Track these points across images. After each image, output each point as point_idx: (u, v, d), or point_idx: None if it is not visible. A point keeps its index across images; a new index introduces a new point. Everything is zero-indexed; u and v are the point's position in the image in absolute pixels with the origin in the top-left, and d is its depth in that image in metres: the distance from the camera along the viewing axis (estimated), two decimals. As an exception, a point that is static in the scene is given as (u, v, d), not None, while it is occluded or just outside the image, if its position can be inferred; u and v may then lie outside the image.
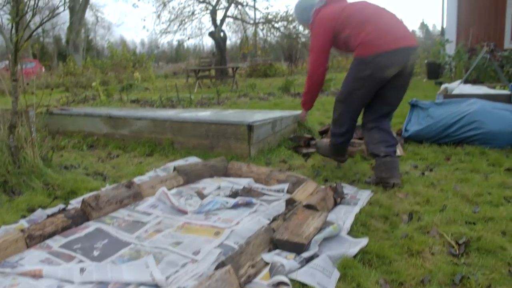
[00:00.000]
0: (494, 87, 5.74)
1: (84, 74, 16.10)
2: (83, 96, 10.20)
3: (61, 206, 2.62)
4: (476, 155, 3.61)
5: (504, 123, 3.82)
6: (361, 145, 3.78)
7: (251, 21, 18.95)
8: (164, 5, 17.60)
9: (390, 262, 1.86)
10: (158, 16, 17.78)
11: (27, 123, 3.30)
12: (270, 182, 2.95)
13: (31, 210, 2.62)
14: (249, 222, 2.23)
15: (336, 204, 2.51)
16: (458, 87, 5.56)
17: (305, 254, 1.83)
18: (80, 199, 2.62)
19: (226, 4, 17.55)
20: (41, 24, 3.29)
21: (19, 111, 3.25)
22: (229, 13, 17.88)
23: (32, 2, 3.14)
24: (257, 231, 1.99)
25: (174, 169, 3.10)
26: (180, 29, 17.91)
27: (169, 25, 17.74)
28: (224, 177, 3.15)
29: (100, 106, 7.97)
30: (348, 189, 2.78)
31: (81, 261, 1.90)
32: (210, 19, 17.10)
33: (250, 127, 3.80)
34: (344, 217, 2.33)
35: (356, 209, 2.44)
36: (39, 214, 2.48)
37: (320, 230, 2.02)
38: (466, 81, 6.42)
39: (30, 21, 3.24)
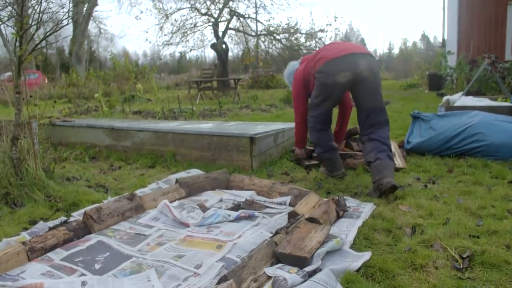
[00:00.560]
0: (496, 99, 5.75)
1: (86, 86, 16.19)
2: (85, 107, 10.24)
3: (63, 218, 2.62)
4: (478, 167, 3.60)
5: (507, 135, 3.82)
6: (363, 157, 3.78)
7: (253, 33, 19.04)
8: (167, 17, 17.72)
9: (393, 276, 1.84)
10: (161, 28, 17.85)
11: (29, 134, 3.31)
12: (272, 194, 2.94)
13: (33, 222, 2.62)
14: (251, 236, 2.22)
15: (338, 217, 2.50)
16: (460, 99, 5.56)
17: (308, 268, 1.82)
18: (82, 211, 2.62)
19: (228, 17, 17.67)
20: (45, 38, 3.31)
21: (22, 123, 3.26)
22: (231, 25, 17.99)
23: (36, 16, 3.16)
24: (260, 245, 1.98)
25: (176, 181, 3.09)
26: (182, 41, 18.00)
27: (172, 37, 17.83)
28: (226, 190, 3.14)
29: (103, 118, 7.99)
30: (350, 202, 2.77)
31: (82, 274, 1.88)
32: (212, 31, 17.21)
33: (252, 139, 3.80)
34: (346, 230, 2.32)
35: (359, 222, 2.42)
36: (41, 226, 2.47)
37: (323, 243, 2.01)
38: (467, 93, 6.43)
39: (34, 34, 3.27)
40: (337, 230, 2.26)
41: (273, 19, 40.68)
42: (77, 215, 2.67)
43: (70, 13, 3.39)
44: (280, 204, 2.81)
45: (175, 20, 17.81)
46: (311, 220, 2.22)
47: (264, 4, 21.10)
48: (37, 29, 3.23)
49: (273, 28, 18.10)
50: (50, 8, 3.38)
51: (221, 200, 2.91)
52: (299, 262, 1.86)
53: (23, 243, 2.06)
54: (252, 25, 19.07)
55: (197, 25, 17.85)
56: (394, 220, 2.46)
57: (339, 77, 3.21)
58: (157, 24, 18.57)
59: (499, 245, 2.07)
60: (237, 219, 2.47)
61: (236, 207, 2.71)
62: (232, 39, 20.44)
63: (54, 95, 13.88)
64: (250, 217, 2.51)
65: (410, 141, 4.26)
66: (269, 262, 1.88)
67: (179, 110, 8.47)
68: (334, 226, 2.36)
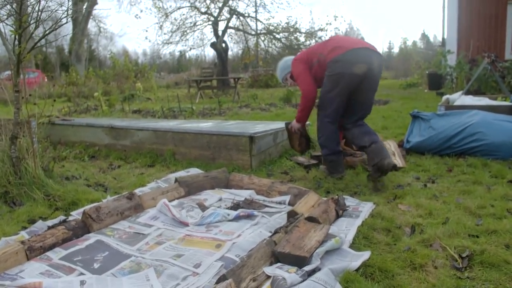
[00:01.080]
0: (495, 98, 5.74)
1: (86, 84, 16.19)
2: (85, 106, 10.23)
3: (62, 217, 2.61)
4: (478, 166, 3.60)
5: (506, 135, 3.81)
6: (362, 155, 3.78)
7: (253, 32, 19.05)
8: (166, 16, 17.73)
9: (392, 275, 1.84)
10: (160, 27, 17.89)
11: (28, 133, 3.30)
12: (271, 194, 2.94)
13: (32, 221, 2.61)
14: (250, 235, 2.22)
15: (338, 216, 2.50)
16: (460, 98, 5.56)
17: (307, 268, 1.81)
18: (81, 210, 2.61)
19: (228, 15, 17.67)
20: (44, 36, 3.31)
21: (21, 122, 3.25)
22: (231, 24, 18.00)
23: (35, 14, 3.16)
24: (259, 244, 1.97)
25: (176, 180, 3.09)
26: (182, 40, 18.03)
27: (171, 36, 17.85)
28: (226, 189, 3.14)
29: (102, 116, 7.99)
30: (350, 201, 2.77)
31: (81, 273, 1.88)
32: (212, 30, 17.21)
33: (251, 139, 3.80)
34: (346, 229, 2.31)
35: (358, 222, 2.42)
36: (40, 225, 2.46)
37: (322, 243, 2.01)
38: (467, 92, 6.42)
39: (33, 32, 3.26)
40: (336, 230, 2.25)
41: (273, 18, 40.67)
42: (76, 214, 2.67)
43: (69, 12, 3.38)
44: (280, 203, 2.81)
45: (174, 19, 17.87)
46: (311, 219, 2.22)
47: (264, 3, 21.04)
48: (36, 28, 3.22)
49: (273, 27, 18.13)
50: (49, 6, 3.38)
51: (220, 199, 2.91)
52: (298, 261, 1.85)
53: (22, 242, 2.05)
54: (252, 24, 19.10)
55: (197, 24, 17.88)
56: (393, 220, 2.46)
57: (356, 69, 3.20)
58: (157, 23, 18.59)
59: (498, 245, 2.07)
60: (236, 218, 2.47)
61: (235, 206, 2.70)
62: (232, 38, 20.47)
63: (54, 94, 13.85)
64: (249, 216, 2.51)
65: (409, 141, 4.26)
66: (268, 261, 1.88)
67: (179, 109, 8.47)
68: (333, 225, 2.36)
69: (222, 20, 17.58)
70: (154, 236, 2.28)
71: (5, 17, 3.36)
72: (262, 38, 18.74)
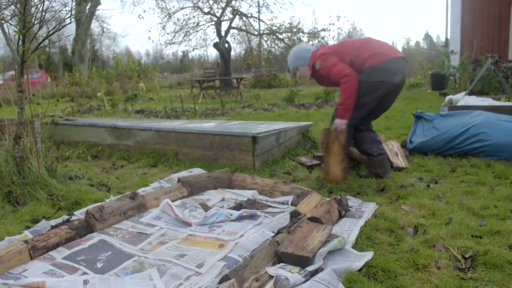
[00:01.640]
0: (499, 99, 5.73)
1: (89, 84, 16.24)
2: (88, 106, 10.26)
3: (65, 217, 2.62)
4: (481, 167, 3.59)
5: (510, 135, 3.80)
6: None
7: (256, 32, 19.04)
8: (169, 16, 17.73)
9: (395, 276, 1.84)
10: (163, 27, 17.87)
11: (32, 133, 3.31)
12: (274, 194, 2.94)
13: (35, 221, 2.62)
14: (253, 235, 2.22)
15: (340, 216, 2.50)
16: (463, 98, 5.55)
17: (310, 268, 1.82)
18: (84, 210, 2.62)
19: (231, 16, 17.66)
20: (47, 36, 3.32)
21: (24, 122, 3.26)
22: (233, 25, 17.99)
23: (39, 15, 3.17)
24: (262, 244, 1.98)
25: (178, 180, 3.09)
26: (185, 40, 18.02)
27: (174, 36, 17.85)
28: (228, 189, 3.14)
29: (105, 116, 8.01)
30: (352, 202, 2.77)
31: (84, 273, 1.89)
32: (215, 30, 17.21)
33: (254, 139, 3.80)
34: (349, 230, 2.31)
35: (361, 222, 2.42)
36: (43, 225, 2.47)
37: (325, 243, 2.01)
38: (470, 93, 6.41)
39: (36, 33, 3.27)
40: (339, 230, 2.25)
41: (276, 18, 40.60)
42: (79, 214, 2.67)
43: (73, 12, 3.39)
44: (282, 203, 2.81)
45: (177, 19, 17.84)
46: (313, 219, 2.22)
47: (267, 3, 21.06)
48: (39, 28, 3.23)
49: (276, 27, 18.11)
50: (53, 7, 3.38)
51: (223, 199, 2.91)
52: (301, 261, 1.85)
53: (26, 241, 2.06)
54: (255, 24, 19.11)
55: (200, 24, 17.88)
56: (396, 220, 2.46)
57: (396, 79, 3.22)
58: (160, 23, 18.64)
59: (501, 245, 2.06)
60: (239, 219, 2.47)
61: (238, 206, 2.71)
62: (234, 38, 20.46)
63: (57, 94, 13.91)
64: (252, 217, 2.51)
65: (412, 141, 4.25)
66: (271, 261, 1.88)
67: (182, 109, 8.48)
68: (336, 225, 2.36)
69: (225, 20, 17.59)
70: (157, 236, 2.28)
71: (9, 17, 3.37)
72: (265, 39, 18.74)
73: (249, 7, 24.43)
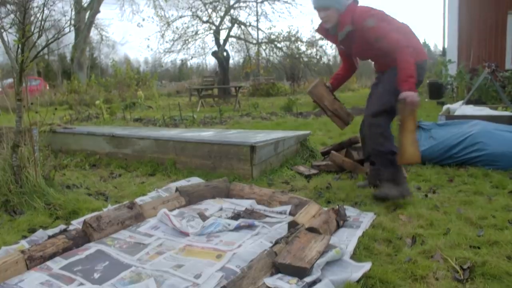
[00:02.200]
0: (496, 108, 5.75)
1: (88, 92, 16.24)
2: (86, 114, 10.26)
3: (62, 226, 2.61)
4: (479, 177, 3.59)
5: (507, 145, 3.81)
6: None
7: (254, 41, 19.12)
8: (168, 25, 17.81)
9: (393, 287, 1.84)
10: (162, 36, 17.93)
11: (30, 142, 3.31)
12: (272, 203, 2.94)
13: (32, 230, 2.61)
14: (251, 245, 2.21)
15: (338, 227, 2.49)
16: (460, 108, 5.57)
17: (308, 279, 1.81)
18: (81, 219, 2.61)
19: (229, 24, 17.75)
20: (46, 45, 3.33)
21: (22, 130, 3.26)
22: (232, 33, 18.07)
23: (38, 23, 3.18)
24: (259, 255, 1.97)
25: (176, 189, 3.09)
26: (184, 48, 18.05)
27: (173, 44, 17.89)
28: (227, 198, 3.13)
29: (103, 125, 8.00)
30: (350, 211, 2.77)
31: (81, 284, 1.88)
32: (214, 39, 17.29)
33: (252, 148, 3.80)
34: (346, 240, 2.31)
35: (359, 232, 2.42)
36: (40, 234, 2.46)
37: (322, 253, 2.00)
38: (468, 102, 6.43)
39: (36, 42, 3.28)
40: (337, 240, 2.25)
41: (274, 27, 40.86)
42: (76, 224, 2.66)
43: (72, 21, 3.40)
44: (280, 213, 2.81)
45: (176, 27, 17.90)
46: (311, 230, 2.21)
47: (265, 12, 21.24)
48: (39, 37, 3.24)
49: (274, 36, 18.18)
50: (52, 15, 3.40)
51: (221, 209, 2.91)
52: (299, 272, 1.85)
53: (22, 251, 2.05)
54: (253, 33, 19.17)
55: (199, 32, 17.93)
56: (394, 230, 2.46)
57: (422, 82, 3.12)
58: (159, 32, 18.66)
59: (500, 256, 2.06)
60: (237, 228, 2.46)
61: (236, 216, 2.70)
62: (233, 47, 20.54)
63: (55, 102, 13.92)
64: (250, 226, 2.50)
65: (410, 150, 4.25)
66: (269, 272, 1.87)
67: (180, 117, 8.49)
68: (334, 236, 2.35)
69: (224, 29, 17.67)
70: (154, 246, 2.27)
71: (9, 26, 3.39)
72: (264, 47, 18.80)
73: (248, 16, 24.66)
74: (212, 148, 4.05)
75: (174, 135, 4.64)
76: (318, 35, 19.47)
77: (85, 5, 22.57)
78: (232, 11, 17.58)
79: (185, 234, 2.41)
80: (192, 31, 17.80)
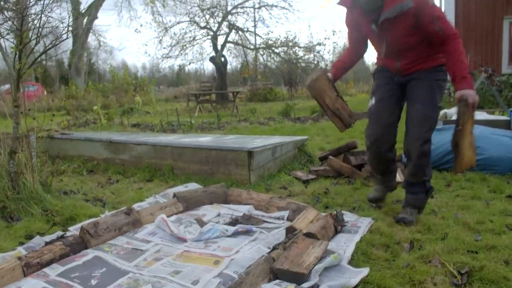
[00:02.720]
0: (493, 113, 5.77)
1: (85, 98, 16.23)
2: (84, 119, 10.25)
3: (60, 233, 2.60)
4: (476, 181, 3.60)
5: (504, 149, 3.83)
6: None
7: (252, 46, 19.18)
8: (166, 30, 17.85)
9: (391, 292, 1.83)
10: (160, 42, 17.97)
11: (27, 148, 3.30)
12: (270, 209, 2.94)
13: (29, 237, 2.60)
14: (248, 251, 2.21)
15: (336, 232, 2.49)
16: (457, 113, 5.57)
17: (306, 285, 1.81)
18: (78, 226, 2.60)
19: (227, 30, 17.80)
20: (44, 51, 3.34)
21: (19, 136, 3.26)
22: (229, 39, 18.12)
23: (36, 30, 3.18)
24: (257, 261, 1.97)
25: (174, 195, 3.08)
26: (181, 54, 18.09)
27: (171, 50, 17.93)
28: (224, 204, 3.13)
29: (101, 130, 8.00)
30: (348, 217, 2.76)
31: (78, 290, 1.87)
32: (211, 44, 17.33)
33: (250, 153, 3.80)
34: (344, 245, 2.31)
35: (357, 238, 2.41)
36: (37, 241, 2.45)
37: (320, 259, 2.00)
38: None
39: (33, 48, 3.28)
40: (335, 245, 2.25)
41: (272, 32, 40.88)
42: (73, 230, 2.65)
43: (70, 27, 3.41)
44: (278, 218, 2.80)
45: (174, 33, 17.94)
46: (309, 235, 2.21)
47: (263, 18, 21.21)
48: (36, 43, 3.24)
49: (272, 42, 18.24)
50: (50, 22, 3.41)
51: (219, 215, 2.90)
52: (296, 278, 1.84)
53: (19, 258, 2.04)
54: (251, 38, 19.24)
55: (196, 38, 17.97)
56: (392, 235, 2.45)
57: None
58: (156, 37, 18.67)
59: (497, 261, 2.07)
60: (235, 234, 2.46)
61: (233, 221, 2.69)
62: (231, 52, 20.60)
63: (53, 108, 13.90)
64: (247, 232, 2.50)
65: (408, 155, 4.26)
66: (267, 278, 1.87)
67: (178, 123, 8.49)
68: (332, 241, 2.35)
69: (221, 34, 17.73)
70: (152, 252, 2.27)
71: (6, 33, 3.39)
72: (261, 53, 18.86)
73: (245, 21, 24.71)
74: (209, 154, 4.04)
75: (171, 140, 4.64)
76: (315, 41, 19.56)
77: (83, 11, 22.59)
78: (229, 16, 17.64)
79: (183, 240, 2.41)
80: (190, 37, 17.85)
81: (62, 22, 3.37)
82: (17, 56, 3.10)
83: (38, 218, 2.92)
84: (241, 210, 2.95)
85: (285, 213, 2.82)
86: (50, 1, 3.23)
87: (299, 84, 21.48)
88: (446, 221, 2.68)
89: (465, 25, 11.22)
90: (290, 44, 18.10)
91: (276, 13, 22.45)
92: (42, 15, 3.19)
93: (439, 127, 4.47)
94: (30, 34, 3.26)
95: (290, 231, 2.33)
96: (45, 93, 20.86)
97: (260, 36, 19.29)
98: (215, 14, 17.39)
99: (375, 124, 2.86)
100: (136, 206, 3.05)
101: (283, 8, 17.37)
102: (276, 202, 2.95)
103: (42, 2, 3.19)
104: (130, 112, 12.18)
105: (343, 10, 2.86)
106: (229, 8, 17.61)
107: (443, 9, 11.96)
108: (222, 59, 16.92)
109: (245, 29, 18.26)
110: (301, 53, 18.36)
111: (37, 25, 3.19)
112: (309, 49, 18.28)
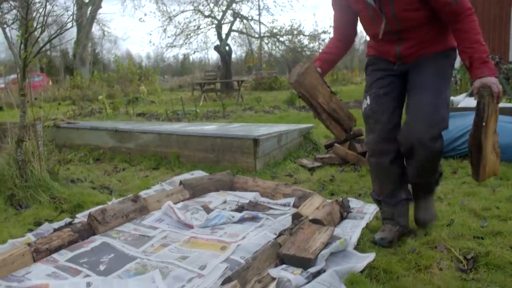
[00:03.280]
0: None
1: (90, 88, 16.24)
2: (89, 109, 10.28)
3: (68, 220, 2.63)
4: (483, 168, 3.58)
5: (511, 137, 3.80)
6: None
7: (256, 35, 19.08)
8: (170, 19, 17.79)
9: (397, 277, 1.84)
10: (164, 31, 17.93)
11: (34, 137, 3.33)
12: (276, 196, 2.95)
13: (38, 223, 2.63)
14: (255, 237, 2.22)
15: (342, 218, 2.50)
16: (464, 100, 5.56)
17: (312, 269, 1.82)
18: (86, 212, 2.62)
19: (232, 19, 17.72)
20: (49, 40, 3.34)
21: (26, 125, 3.28)
22: (234, 27, 18.04)
23: (41, 19, 3.19)
24: (264, 246, 1.98)
25: (180, 183, 3.10)
26: (186, 43, 18.06)
27: (175, 39, 17.89)
28: (230, 191, 3.14)
29: (106, 120, 8.02)
30: (354, 203, 2.77)
31: (87, 275, 1.89)
32: (216, 33, 17.26)
33: (255, 141, 3.81)
34: (350, 231, 2.32)
35: (363, 224, 2.42)
36: (46, 228, 2.48)
37: (326, 245, 2.01)
38: (471, 94, 6.41)
39: (38, 37, 3.29)
40: (341, 231, 2.26)
41: (276, 21, 40.78)
42: (81, 217, 2.68)
43: (74, 16, 3.41)
44: (284, 205, 2.82)
45: (178, 22, 17.88)
46: (315, 221, 2.22)
47: (267, 6, 21.13)
48: (42, 32, 3.25)
49: (276, 30, 18.15)
50: (55, 11, 3.40)
51: (225, 202, 2.92)
52: (303, 263, 1.86)
53: (28, 244, 2.07)
54: (256, 27, 19.14)
55: (201, 27, 17.92)
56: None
57: None
58: (161, 27, 18.63)
59: (503, 246, 2.07)
60: (241, 221, 2.48)
61: (240, 208, 2.71)
62: (235, 41, 20.51)
63: (58, 97, 13.92)
64: (254, 219, 2.51)
65: (414, 143, 4.25)
66: (273, 263, 1.88)
67: (183, 112, 8.49)
68: (338, 227, 2.36)
69: (226, 23, 17.65)
70: (159, 238, 2.29)
71: (11, 21, 3.39)
72: (266, 41, 18.78)
73: (250, 10, 24.55)
74: (215, 142, 4.05)
75: (177, 129, 4.65)
76: (320, 29, 19.39)
77: (87, 0, 22.54)
78: (234, 5, 17.54)
79: (190, 227, 2.43)
80: (194, 26, 17.80)
81: (67, 11, 3.36)
82: (22, 44, 3.11)
83: (46, 206, 2.95)
84: (247, 197, 2.96)
85: (291, 200, 2.83)
86: (55, -11, 3.23)
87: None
88: (452, 207, 2.68)
89: (472, 12, 11.11)
90: (295, 32, 18.02)
91: (281, 1, 22.31)
92: (47, 4, 3.20)
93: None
94: (35, 23, 3.26)
95: (296, 217, 2.35)
96: (50, 83, 20.90)
97: (264, 24, 19.21)
98: (220, 2, 17.31)
99: (373, 130, 2.28)
100: (142, 193, 3.07)
101: (288, -5, 17.24)
102: (282, 189, 2.96)
103: (47, -10, 3.19)
104: (135, 101, 12.18)
105: None
106: (233, -4, 17.51)
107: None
108: (227, 48, 16.86)
109: (250, 18, 18.18)
110: (306, 42, 18.29)
111: (42, 13, 3.20)
112: (314, 37, 18.18)
